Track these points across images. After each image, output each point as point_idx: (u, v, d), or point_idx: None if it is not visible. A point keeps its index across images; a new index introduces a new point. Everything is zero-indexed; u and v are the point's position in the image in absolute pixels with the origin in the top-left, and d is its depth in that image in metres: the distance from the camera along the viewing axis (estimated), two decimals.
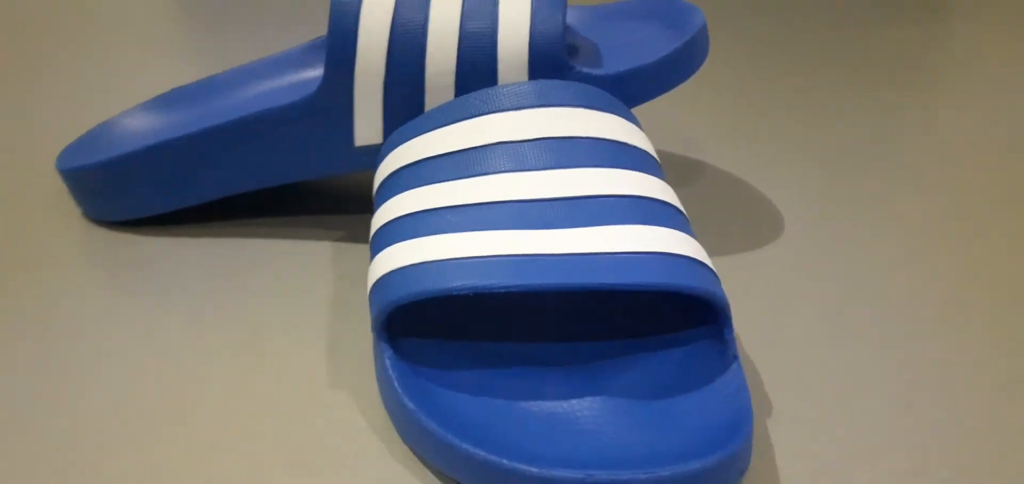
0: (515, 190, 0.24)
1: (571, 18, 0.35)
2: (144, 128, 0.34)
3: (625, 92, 0.30)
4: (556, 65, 0.29)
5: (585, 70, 0.29)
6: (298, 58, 0.36)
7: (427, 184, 0.25)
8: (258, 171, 0.31)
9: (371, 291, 0.23)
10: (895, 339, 0.27)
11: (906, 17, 0.58)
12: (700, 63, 0.32)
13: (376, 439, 0.23)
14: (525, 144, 0.25)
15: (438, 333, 0.25)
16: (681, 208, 0.25)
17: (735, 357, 0.23)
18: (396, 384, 0.22)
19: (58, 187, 0.36)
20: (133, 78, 0.49)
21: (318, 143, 0.31)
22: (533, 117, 0.26)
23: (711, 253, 0.32)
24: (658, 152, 0.40)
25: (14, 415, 0.24)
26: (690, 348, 0.24)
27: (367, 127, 0.30)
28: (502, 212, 0.23)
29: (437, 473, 0.22)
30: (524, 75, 0.29)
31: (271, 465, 0.22)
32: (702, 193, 0.36)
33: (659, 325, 0.25)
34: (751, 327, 0.28)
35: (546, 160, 0.25)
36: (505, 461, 0.19)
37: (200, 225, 0.33)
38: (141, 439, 0.23)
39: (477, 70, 0.29)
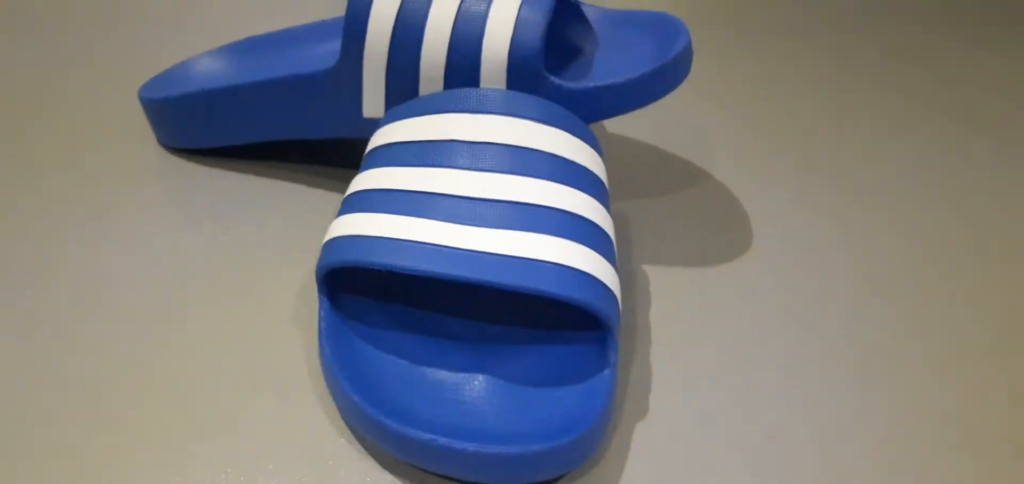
0: (461, 186, 0.28)
1: (570, 19, 0.38)
2: (212, 71, 0.41)
3: (600, 104, 0.33)
4: (532, 75, 0.32)
5: (561, 83, 0.32)
6: (338, 28, 0.42)
7: (392, 165, 0.30)
8: (293, 124, 0.37)
9: (321, 248, 0.28)
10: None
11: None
12: (678, 82, 0.34)
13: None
14: (481, 146, 0.29)
15: (379, 294, 0.29)
16: (607, 230, 0.29)
17: (609, 365, 0.26)
18: (322, 332, 0.27)
19: (139, 114, 0.43)
20: (214, 21, 0.56)
21: (336, 109, 0.36)
22: (495, 123, 0.30)
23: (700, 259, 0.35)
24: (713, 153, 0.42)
25: (77, 288, 0.31)
26: (578, 347, 0.28)
27: (372, 102, 0.35)
28: (443, 204, 0.27)
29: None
30: (503, 81, 0.32)
31: (238, 370, 0.28)
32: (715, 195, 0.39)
33: (563, 322, 0.29)
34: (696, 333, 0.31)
35: (497, 164, 0.28)
36: (382, 417, 0.24)
37: (246, 162, 0.40)
38: (155, 332, 0.30)
39: (463, 70, 0.32)
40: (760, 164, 0.42)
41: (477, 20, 0.33)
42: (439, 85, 0.33)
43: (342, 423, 0.27)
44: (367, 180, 0.29)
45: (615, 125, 0.45)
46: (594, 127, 0.46)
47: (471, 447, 0.23)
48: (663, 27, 0.36)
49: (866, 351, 0.31)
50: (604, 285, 0.26)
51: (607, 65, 0.35)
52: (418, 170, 0.29)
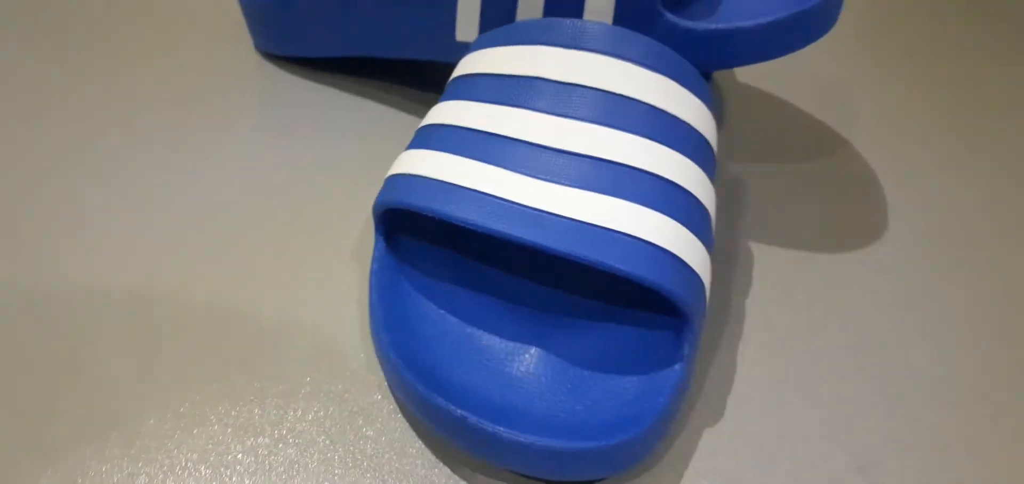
0: (541, 133, 0.24)
1: None
2: None
3: (726, 50, 0.28)
4: (645, 9, 0.28)
5: (678, 21, 0.28)
6: None
7: (469, 99, 0.27)
8: (389, 41, 0.35)
9: (384, 182, 0.26)
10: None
11: None
12: (821, 33, 0.29)
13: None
14: (571, 88, 0.25)
15: (441, 239, 0.27)
16: (706, 202, 0.25)
17: (682, 358, 0.22)
18: (373, 273, 0.25)
19: (239, 17, 0.42)
20: None
21: (431, 29, 0.33)
22: (590, 62, 0.26)
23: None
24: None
25: (160, 176, 0.31)
26: (652, 333, 0.24)
27: (466, 24, 0.32)
28: (518, 152, 0.24)
29: None
30: (610, 12, 0.28)
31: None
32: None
33: (640, 302, 0.25)
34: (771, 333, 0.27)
35: (585, 111, 0.25)
36: (418, 385, 0.22)
37: (338, 76, 0.38)
38: (217, 232, 0.29)
39: None
40: (910, 147, 0.36)
41: None
42: (539, 11, 0.29)
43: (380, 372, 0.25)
44: (440, 113, 0.27)
45: (743, 72, 0.40)
46: (718, 76, 0.41)
47: (504, 432, 0.21)
48: None
49: (1006, 389, 0.25)
50: (689, 268, 0.23)
51: (738, 2, 0.30)
52: (496, 108, 0.25)
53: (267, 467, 0.22)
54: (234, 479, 0.22)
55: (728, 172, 0.33)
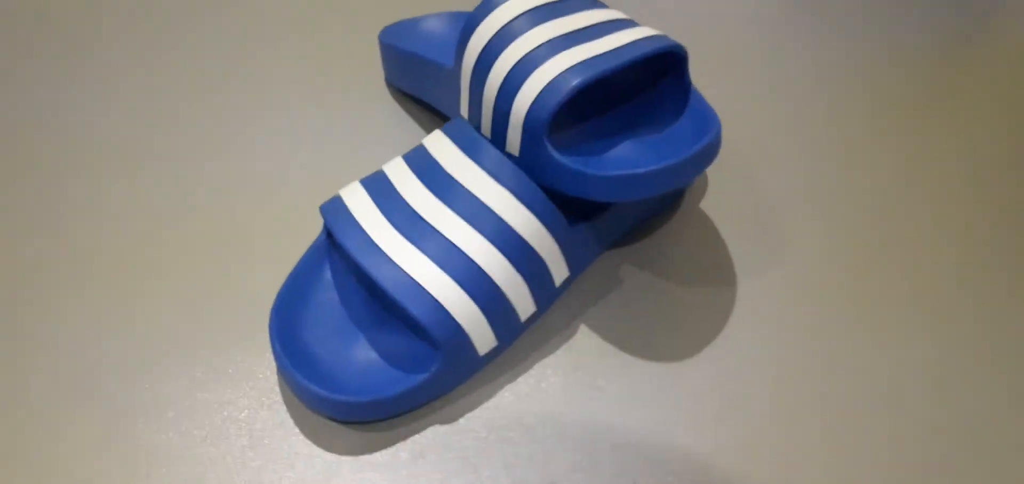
0: (426, 208, 0.38)
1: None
2: (420, 34, 0.54)
3: (585, 186, 0.37)
4: (537, 140, 0.39)
5: (554, 155, 0.38)
6: None
7: (412, 168, 0.41)
8: (438, 100, 0.49)
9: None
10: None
11: None
12: (689, 181, 0.37)
13: None
14: (457, 184, 0.38)
15: None
16: (497, 278, 0.36)
17: (426, 371, 0.36)
18: (301, 261, 0.41)
19: (376, 51, 0.59)
20: None
21: (457, 102, 0.47)
22: (474, 171, 0.38)
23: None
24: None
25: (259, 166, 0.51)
26: (421, 346, 0.37)
27: (465, 104, 0.45)
28: (409, 218, 0.38)
29: None
30: (519, 133, 0.40)
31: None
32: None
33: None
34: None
35: (452, 201, 0.38)
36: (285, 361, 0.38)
37: (422, 109, 0.54)
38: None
39: (502, 113, 0.40)
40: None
41: (521, 75, 0.39)
42: (491, 112, 0.42)
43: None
44: (396, 166, 0.41)
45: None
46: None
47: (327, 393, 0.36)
48: (696, 119, 0.39)
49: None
50: (445, 311, 0.35)
51: (623, 154, 0.40)
52: (419, 185, 0.39)
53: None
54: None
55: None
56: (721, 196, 0.47)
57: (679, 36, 0.60)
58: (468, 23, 0.42)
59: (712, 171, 0.49)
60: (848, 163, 0.50)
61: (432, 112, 0.54)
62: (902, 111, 0.54)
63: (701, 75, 0.57)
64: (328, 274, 0.41)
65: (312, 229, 0.45)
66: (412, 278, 0.36)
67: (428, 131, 0.52)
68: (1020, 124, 0.53)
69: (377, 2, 0.63)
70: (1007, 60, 0.58)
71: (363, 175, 0.48)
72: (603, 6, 0.44)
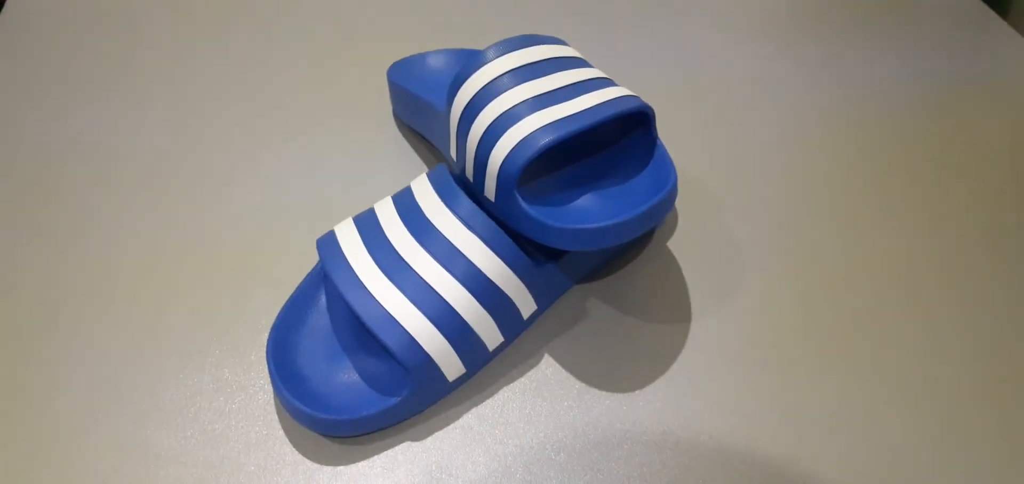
0: (406, 250, 0.42)
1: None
2: (423, 71, 0.59)
3: (548, 236, 0.42)
4: (509, 192, 0.43)
5: (522, 206, 0.43)
6: None
7: (399, 210, 0.46)
8: (436, 139, 0.54)
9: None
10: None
11: None
12: (642, 232, 0.41)
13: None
14: (434, 229, 0.43)
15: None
16: (465, 314, 0.41)
17: (398, 395, 0.41)
18: (299, 286, 0.46)
19: (384, 85, 0.64)
20: (458, 20, 0.72)
21: (447, 145, 0.51)
22: (449, 218, 0.43)
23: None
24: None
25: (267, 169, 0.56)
26: (391, 370, 0.42)
27: (453, 150, 0.50)
28: (392, 258, 0.43)
29: None
30: (494, 184, 0.44)
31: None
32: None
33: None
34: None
35: (429, 244, 0.42)
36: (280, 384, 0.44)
37: (422, 144, 0.59)
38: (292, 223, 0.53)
39: (481, 164, 0.45)
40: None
41: (500, 130, 0.44)
42: (472, 160, 0.47)
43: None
44: (384, 206, 0.46)
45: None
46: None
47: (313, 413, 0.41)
48: (656, 173, 0.43)
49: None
50: (416, 343, 0.40)
51: (594, 200, 0.44)
52: (402, 228, 0.44)
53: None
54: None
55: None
56: (689, 236, 0.51)
57: (656, 82, 0.64)
58: (458, 75, 0.46)
59: (683, 212, 0.53)
60: (816, 208, 0.53)
61: (433, 147, 0.58)
62: (867, 159, 0.57)
63: (678, 120, 0.60)
64: (322, 300, 0.46)
65: (314, 254, 0.50)
66: (388, 312, 0.40)
67: (430, 165, 0.56)
68: (984, 173, 0.56)
69: (391, 36, 0.68)
70: (975, 113, 0.61)
71: (365, 206, 0.53)
72: (586, 65, 0.48)
